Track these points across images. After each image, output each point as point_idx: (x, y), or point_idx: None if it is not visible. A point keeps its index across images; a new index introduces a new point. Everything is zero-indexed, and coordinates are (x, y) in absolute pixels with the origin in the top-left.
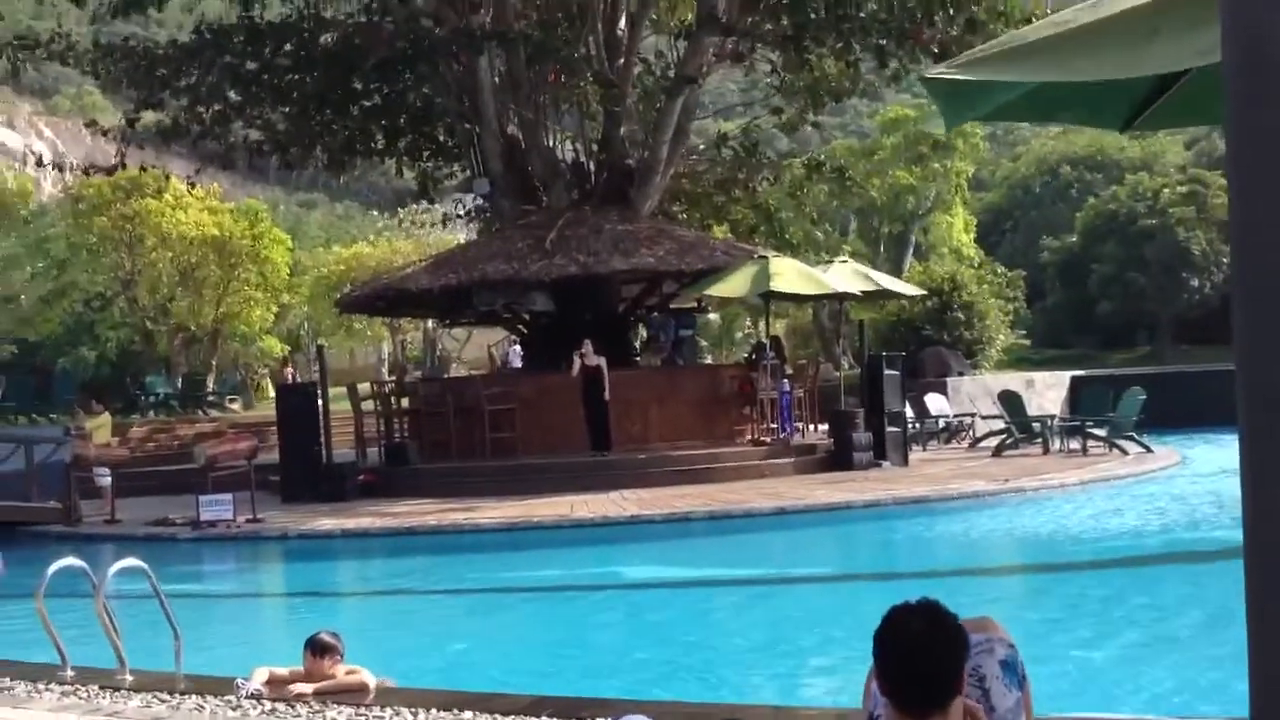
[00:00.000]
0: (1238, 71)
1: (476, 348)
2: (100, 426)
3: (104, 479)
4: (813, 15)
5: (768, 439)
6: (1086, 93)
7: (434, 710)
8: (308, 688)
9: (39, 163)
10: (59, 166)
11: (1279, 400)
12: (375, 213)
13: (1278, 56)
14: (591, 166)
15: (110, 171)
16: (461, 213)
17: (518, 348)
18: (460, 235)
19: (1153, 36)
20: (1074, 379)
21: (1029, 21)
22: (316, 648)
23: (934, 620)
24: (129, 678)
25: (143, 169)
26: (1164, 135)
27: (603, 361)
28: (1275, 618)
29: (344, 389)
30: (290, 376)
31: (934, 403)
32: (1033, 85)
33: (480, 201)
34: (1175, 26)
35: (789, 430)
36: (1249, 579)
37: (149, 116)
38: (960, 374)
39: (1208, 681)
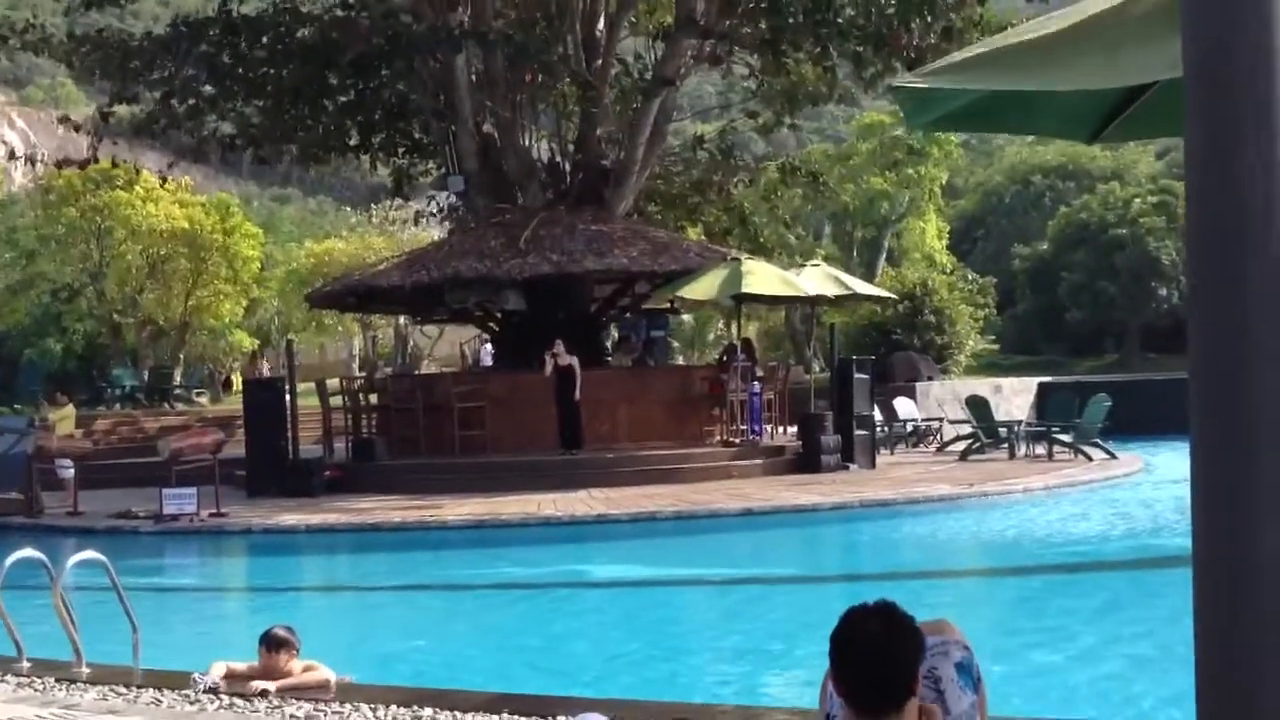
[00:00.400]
0: (1196, 81)
1: (448, 345)
2: (64, 418)
3: (66, 471)
4: (790, 20)
5: (737, 440)
6: (1054, 103)
7: (394, 707)
8: (271, 685)
9: (11, 155)
10: (31, 160)
11: (1228, 410)
12: (348, 209)
13: (1234, 66)
14: (567, 166)
15: (83, 165)
16: (435, 210)
17: (489, 347)
18: (434, 232)
19: (1121, 49)
20: (1041, 385)
21: (1005, 30)
22: (271, 642)
23: (890, 621)
24: (85, 670)
25: (114, 163)
26: (1135, 146)
27: (575, 361)
28: (1221, 624)
29: (312, 384)
30: (263, 371)
31: (902, 407)
32: (1000, 94)
33: (454, 199)
34: (1142, 39)
35: (758, 432)
36: (1197, 586)
37: (122, 109)
38: (930, 379)
39: (1165, 685)
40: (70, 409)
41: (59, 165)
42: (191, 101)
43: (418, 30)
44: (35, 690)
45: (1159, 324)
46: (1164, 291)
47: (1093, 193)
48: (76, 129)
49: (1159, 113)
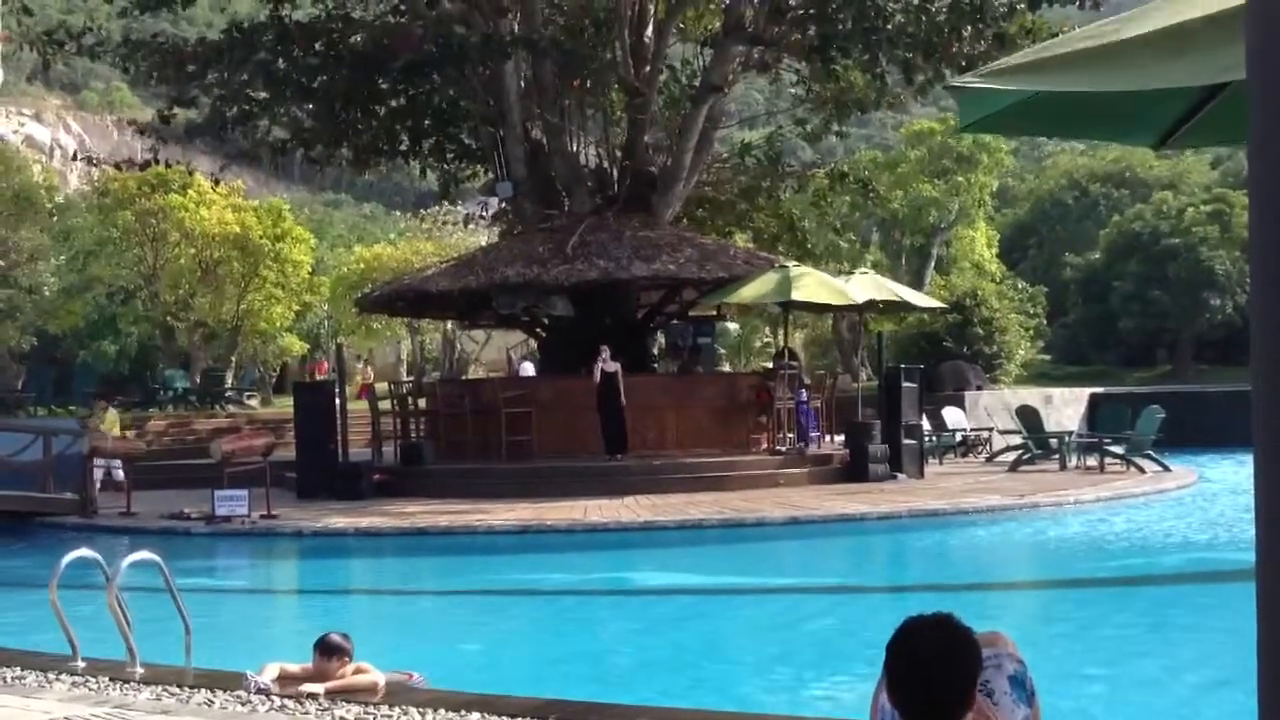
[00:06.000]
0: (1261, 82)
1: (495, 350)
2: (110, 424)
3: (116, 472)
4: (840, 27)
5: (783, 448)
6: (1118, 108)
7: (442, 711)
8: (319, 687)
9: (73, 158)
10: (90, 160)
11: None
12: (397, 213)
13: None
14: (614, 172)
15: (143, 167)
16: (484, 215)
17: (529, 364)
18: (482, 237)
19: (1181, 52)
20: (1093, 396)
21: (1057, 37)
22: (326, 649)
23: (948, 633)
24: (139, 670)
25: (167, 164)
26: (1190, 155)
27: (619, 368)
28: None
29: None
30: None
31: (951, 416)
32: (1062, 97)
33: (503, 204)
34: (1209, 41)
35: (805, 440)
36: (1261, 600)
37: (178, 114)
38: (979, 388)
39: (1223, 701)
40: (113, 414)
41: (117, 166)
42: (245, 106)
43: (468, 37)
44: (90, 690)
45: (1212, 335)
46: (1217, 302)
47: (1146, 201)
48: (142, 132)
49: (1229, 118)
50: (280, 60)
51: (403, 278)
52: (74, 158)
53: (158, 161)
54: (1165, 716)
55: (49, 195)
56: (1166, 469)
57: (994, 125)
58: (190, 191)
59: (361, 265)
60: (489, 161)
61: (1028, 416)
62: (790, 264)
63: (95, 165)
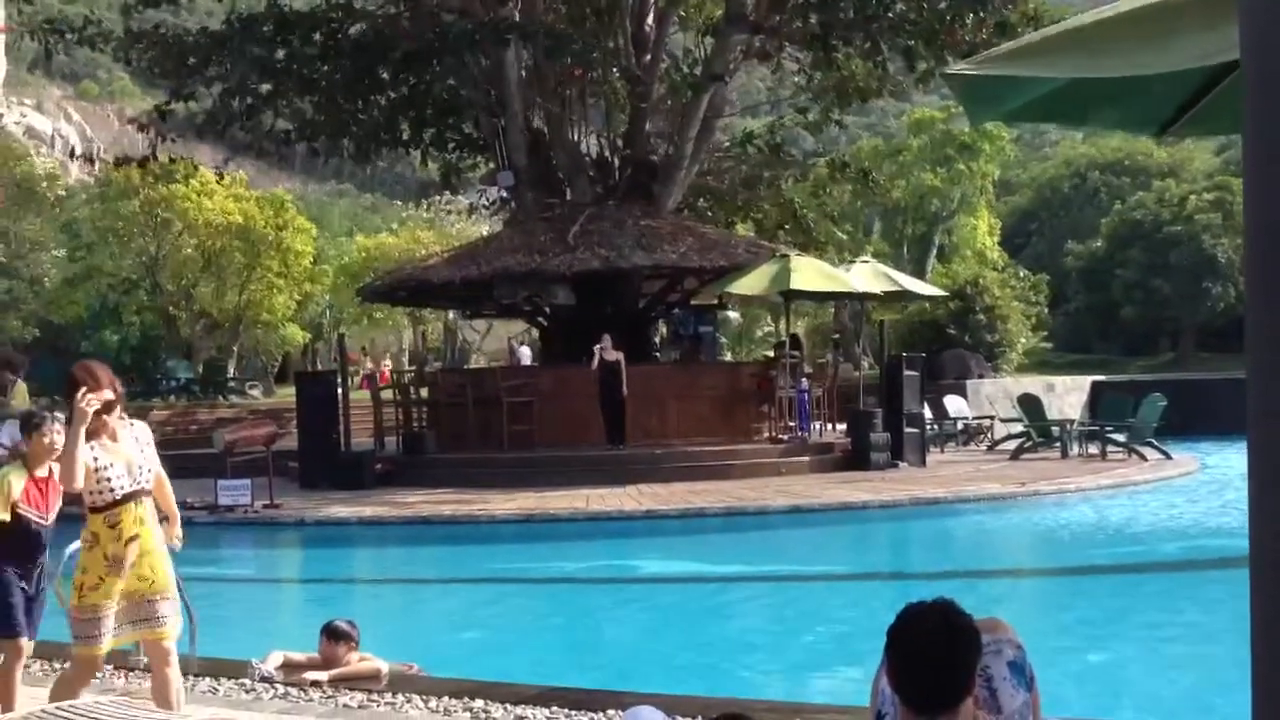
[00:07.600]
0: (1254, 63)
1: (496, 340)
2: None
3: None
4: (841, 15)
5: (785, 437)
6: (1119, 95)
7: (445, 698)
8: (323, 675)
9: (72, 155)
10: (89, 158)
11: None
12: (399, 203)
13: None
14: (615, 161)
15: (142, 163)
16: (486, 204)
17: (526, 349)
18: (484, 227)
19: (1177, 33)
20: (1095, 384)
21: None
22: (332, 635)
23: (949, 620)
24: (143, 659)
25: (171, 160)
26: (1191, 142)
27: (620, 356)
28: (1278, 625)
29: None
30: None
31: (953, 404)
32: (1064, 84)
33: (504, 194)
34: (1205, 24)
35: (806, 429)
36: (1254, 586)
37: (178, 105)
38: (981, 376)
39: (1220, 687)
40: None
41: (118, 163)
42: (249, 100)
43: (463, 25)
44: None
45: (1214, 323)
46: (1219, 290)
47: (1148, 189)
48: (143, 128)
49: (1232, 106)
50: (279, 51)
51: (404, 267)
52: (72, 156)
53: (156, 157)
54: (1166, 702)
55: (51, 185)
56: (1168, 456)
57: (996, 113)
58: (193, 182)
59: (363, 255)
60: (490, 151)
61: (1030, 404)
62: (791, 253)
63: (93, 162)
